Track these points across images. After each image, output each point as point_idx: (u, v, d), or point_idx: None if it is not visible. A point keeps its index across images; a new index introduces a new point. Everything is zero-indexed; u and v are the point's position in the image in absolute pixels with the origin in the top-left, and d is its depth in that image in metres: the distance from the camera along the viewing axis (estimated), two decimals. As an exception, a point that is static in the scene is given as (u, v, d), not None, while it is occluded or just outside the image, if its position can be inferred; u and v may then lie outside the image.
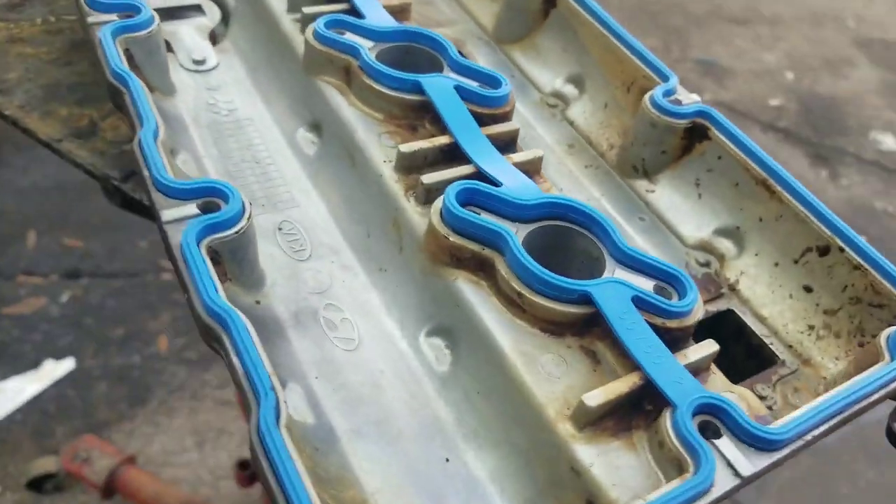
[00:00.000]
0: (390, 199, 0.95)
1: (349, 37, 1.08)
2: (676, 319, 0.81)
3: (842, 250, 0.96)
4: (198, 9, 1.28)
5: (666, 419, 0.73)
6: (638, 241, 1.10)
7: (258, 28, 1.22)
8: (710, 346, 0.81)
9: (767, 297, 1.03)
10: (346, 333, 0.88)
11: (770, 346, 0.99)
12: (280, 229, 0.99)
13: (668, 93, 1.11)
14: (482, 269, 0.86)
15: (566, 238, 0.90)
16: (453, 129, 0.97)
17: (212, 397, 3.26)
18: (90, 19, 1.02)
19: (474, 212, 0.87)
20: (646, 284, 0.84)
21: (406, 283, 0.92)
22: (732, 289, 1.05)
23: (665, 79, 1.14)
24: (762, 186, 1.03)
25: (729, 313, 1.03)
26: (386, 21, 1.11)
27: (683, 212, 1.12)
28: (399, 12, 1.20)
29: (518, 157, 0.98)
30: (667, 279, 0.84)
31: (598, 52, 1.25)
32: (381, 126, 1.03)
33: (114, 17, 1.03)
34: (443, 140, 0.97)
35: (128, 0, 1.03)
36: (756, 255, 1.05)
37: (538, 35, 1.35)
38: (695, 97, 1.13)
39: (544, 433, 0.76)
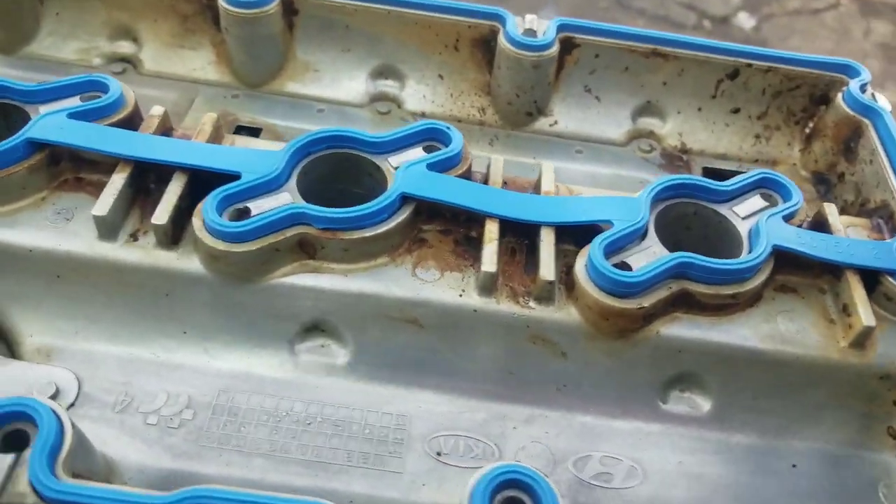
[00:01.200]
0: (510, 324, 0.78)
1: (261, 204, 0.77)
2: (801, 210, 0.86)
3: (749, 66, 1.07)
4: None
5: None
6: (595, 170, 1.08)
7: (73, 288, 0.79)
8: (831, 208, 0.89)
9: (712, 138, 1.12)
10: (623, 472, 0.76)
11: (739, 171, 1.10)
12: (440, 454, 0.75)
13: (515, 28, 1.04)
14: (673, 304, 0.78)
15: (689, 213, 0.85)
16: (488, 209, 0.80)
17: None
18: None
19: (624, 264, 0.77)
20: (759, 203, 0.86)
21: (598, 380, 0.80)
22: (686, 151, 1.12)
23: (499, 18, 1.05)
24: (654, 56, 1.07)
25: (705, 171, 1.10)
26: (262, 162, 0.80)
27: (593, 121, 1.12)
28: (217, 138, 0.87)
29: (545, 186, 0.86)
30: (769, 187, 0.87)
31: (394, 32, 1.08)
32: (401, 264, 0.80)
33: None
34: (492, 230, 0.79)
35: None
36: (679, 112, 1.12)
37: (300, 52, 1.10)
38: (530, 16, 1.07)
39: (840, 373, 0.79)
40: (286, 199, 0.77)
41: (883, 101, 1.02)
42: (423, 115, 1.10)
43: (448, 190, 0.80)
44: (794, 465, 0.79)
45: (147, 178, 0.82)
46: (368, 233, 0.77)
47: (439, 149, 0.85)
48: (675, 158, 1.10)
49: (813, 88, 1.08)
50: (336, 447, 0.75)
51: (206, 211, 0.74)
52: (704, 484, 0.77)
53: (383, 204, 0.77)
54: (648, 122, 1.12)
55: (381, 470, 0.74)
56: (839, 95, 1.04)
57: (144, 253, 0.77)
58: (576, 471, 0.76)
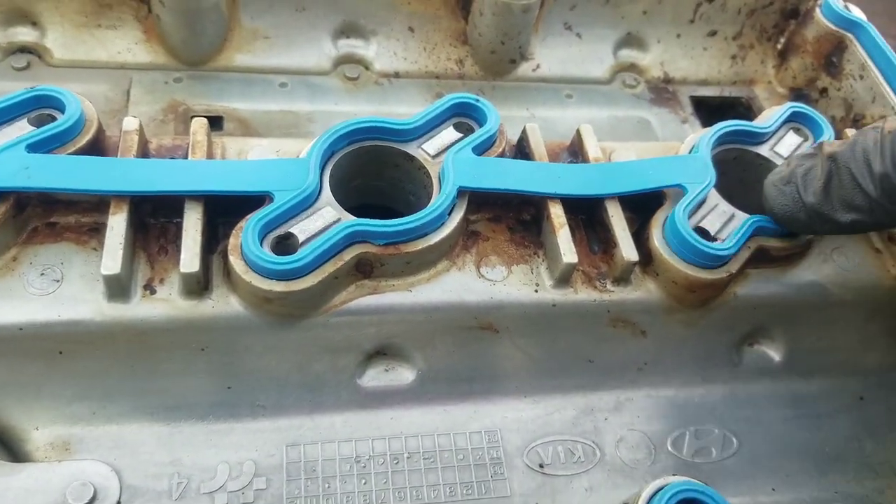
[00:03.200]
0: (591, 311, 0.72)
1: (305, 227, 0.65)
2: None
3: (728, -15, 1.03)
4: None
5: None
6: (591, 114, 1.01)
7: (81, 363, 0.63)
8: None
9: (692, 64, 1.08)
10: (718, 443, 0.75)
11: (728, 95, 1.09)
12: (542, 466, 0.70)
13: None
14: (747, 262, 0.75)
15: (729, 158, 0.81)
16: (551, 190, 0.72)
17: None
18: None
19: (701, 230, 0.72)
20: (795, 140, 0.83)
21: (676, 352, 0.77)
22: (669, 80, 1.08)
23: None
24: (636, -15, 1.00)
25: (693, 100, 1.07)
26: (290, 173, 0.66)
27: (578, 60, 1.04)
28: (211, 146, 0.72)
29: (592, 151, 0.78)
30: (798, 120, 0.84)
31: (354, -17, 0.94)
32: (463, 266, 0.71)
33: None
34: (558, 214, 0.72)
35: None
36: (659, 42, 1.06)
37: (246, 17, 0.93)
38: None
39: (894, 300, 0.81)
40: (331, 215, 0.66)
41: (858, 13, 1.02)
42: (396, 75, 0.98)
43: (505, 176, 0.71)
44: (861, 398, 0.81)
45: (142, 211, 0.66)
46: (433, 239, 0.67)
47: (469, 124, 0.76)
48: (662, 91, 1.06)
49: (784, 4, 1.06)
50: (434, 483, 0.68)
51: (247, 247, 0.61)
52: (788, 436, 0.77)
53: (446, 204, 0.67)
54: (630, 55, 1.06)
55: (490, 498, 0.68)
56: (817, 10, 1.02)
57: (170, 306, 0.63)
58: (676, 452, 0.74)
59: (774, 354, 0.80)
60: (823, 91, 1.04)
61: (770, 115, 0.83)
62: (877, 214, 0.64)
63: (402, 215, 0.65)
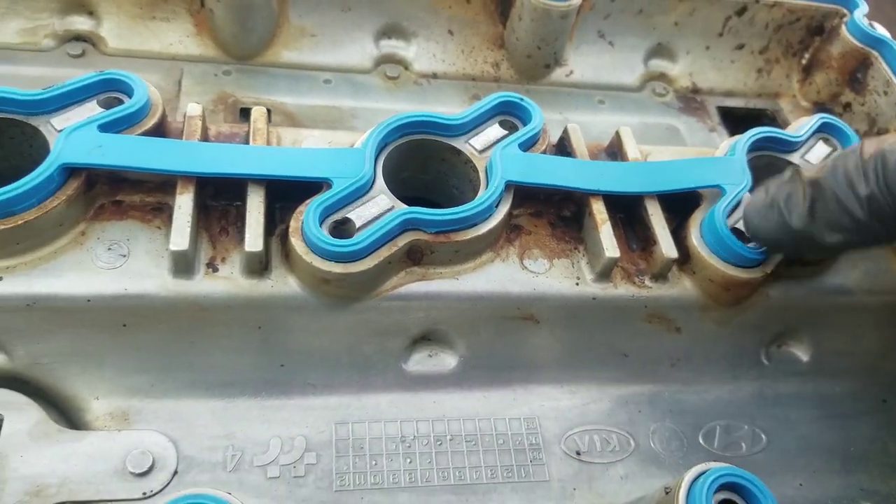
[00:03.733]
0: (629, 306, 0.75)
1: (361, 213, 0.67)
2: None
3: (757, 1, 1.06)
4: None
5: None
6: (622, 120, 1.04)
7: (142, 336, 0.66)
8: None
9: (720, 76, 1.12)
10: (747, 438, 0.78)
11: (753, 108, 1.12)
12: (579, 454, 0.72)
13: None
14: (784, 264, 0.78)
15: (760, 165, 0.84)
16: (593, 186, 0.75)
17: None
18: None
19: (737, 231, 0.75)
20: (825, 149, 0.86)
21: (708, 349, 0.80)
22: (697, 91, 1.11)
23: (517, -34, 0.97)
24: (669, -4, 1.04)
25: (720, 111, 1.10)
26: (347, 162, 0.69)
27: (609, 67, 1.07)
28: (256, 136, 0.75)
29: (631, 152, 0.81)
30: (827, 131, 0.87)
31: (398, -15, 0.97)
32: (507, 258, 0.74)
33: None
34: (601, 210, 0.75)
35: None
36: (688, 53, 1.10)
37: (294, 16, 0.96)
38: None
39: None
40: (385, 203, 0.68)
41: (883, 31, 1.06)
42: (434, 75, 1.01)
43: (549, 171, 0.74)
44: (884, 401, 0.84)
45: (204, 194, 0.69)
46: (482, 230, 0.70)
47: (513, 122, 0.78)
48: (691, 100, 1.09)
49: (810, 20, 1.09)
50: (476, 465, 0.70)
51: (309, 230, 0.63)
52: (815, 435, 0.80)
53: (495, 196, 0.70)
54: (659, 65, 1.09)
55: (529, 481, 0.70)
56: (843, 27, 1.06)
57: (231, 284, 0.66)
58: (707, 445, 0.76)
59: (802, 355, 0.83)
60: (847, 106, 1.08)
61: (801, 125, 0.86)
62: (864, 233, 0.64)
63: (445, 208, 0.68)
